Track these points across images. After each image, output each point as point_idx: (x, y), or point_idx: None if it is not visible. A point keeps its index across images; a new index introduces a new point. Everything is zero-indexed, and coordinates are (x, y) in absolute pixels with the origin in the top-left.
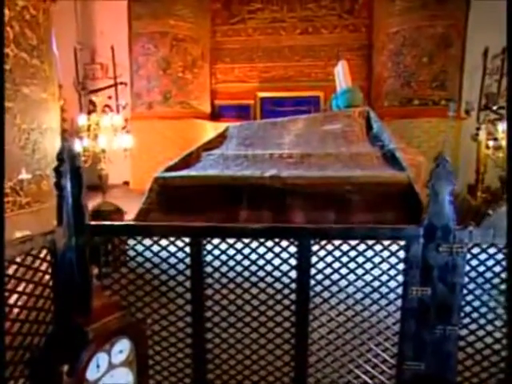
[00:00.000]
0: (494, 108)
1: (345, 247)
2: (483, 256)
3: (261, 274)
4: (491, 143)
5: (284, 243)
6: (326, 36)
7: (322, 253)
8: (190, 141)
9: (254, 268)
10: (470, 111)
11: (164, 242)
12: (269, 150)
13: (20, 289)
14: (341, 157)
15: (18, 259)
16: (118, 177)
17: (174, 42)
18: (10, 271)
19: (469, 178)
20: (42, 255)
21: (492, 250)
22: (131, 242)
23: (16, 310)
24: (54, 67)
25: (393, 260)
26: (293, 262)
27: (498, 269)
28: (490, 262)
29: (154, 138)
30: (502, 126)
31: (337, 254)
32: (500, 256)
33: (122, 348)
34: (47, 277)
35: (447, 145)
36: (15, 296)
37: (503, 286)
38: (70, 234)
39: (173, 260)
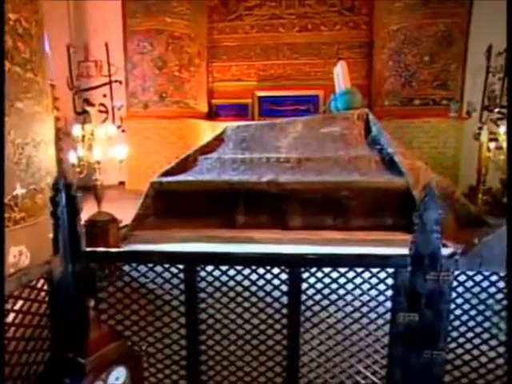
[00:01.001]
0: (496, 110)
1: (334, 274)
2: (469, 283)
3: (253, 299)
4: (492, 145)
5: (275, 270)
6: (326, 33)
7: (313, 279)
8: (186, 141)
9: (246, 294)
10: (472, 112)
11: (159, 269)
12: (266, 154)
13: (18, 320)
14: (339, 160)
15: (16, 292)
16: (114, 177)
17: (170, 40)
18: (9, 304)
19: (470, 178)
20: (39, 285)
21: (478, 278)
22: (127, 267)
23: (15, 341)
24: (47, 77)
25: (381, 287)
26: (284, 288)
27: (484, 295)
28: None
29: (150, 137)
30: (503, 128)
31: (327, 280)
32: (486, 283)
33: (118, 375)
34: (44, 306)
35: (448, 145)
36: (14, 327)
37: (488, 313)
38: (67, 262)
39: (168, 286)
